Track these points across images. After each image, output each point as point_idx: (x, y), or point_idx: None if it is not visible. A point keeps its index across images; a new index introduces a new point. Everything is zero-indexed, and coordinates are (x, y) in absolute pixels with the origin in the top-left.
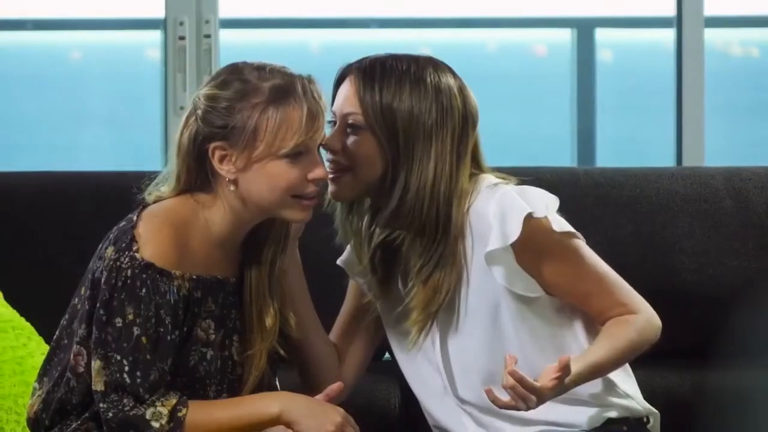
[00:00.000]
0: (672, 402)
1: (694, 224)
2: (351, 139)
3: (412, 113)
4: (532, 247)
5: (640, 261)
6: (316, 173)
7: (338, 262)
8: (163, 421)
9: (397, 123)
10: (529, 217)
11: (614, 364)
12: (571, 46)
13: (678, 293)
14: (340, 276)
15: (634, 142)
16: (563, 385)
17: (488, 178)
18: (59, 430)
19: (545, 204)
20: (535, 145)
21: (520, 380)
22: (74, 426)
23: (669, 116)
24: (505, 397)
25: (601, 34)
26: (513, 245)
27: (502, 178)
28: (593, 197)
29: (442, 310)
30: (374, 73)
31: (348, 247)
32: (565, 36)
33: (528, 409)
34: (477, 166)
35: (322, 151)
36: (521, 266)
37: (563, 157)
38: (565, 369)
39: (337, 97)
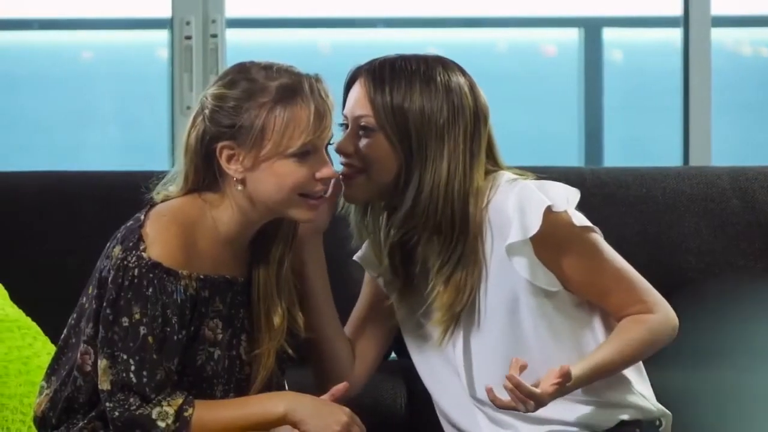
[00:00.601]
0: (679, 402)
1: (701, 224)
2: (363, 142)
3: (423, 113)
4: (552, 240)
5: (647, 261)
6: (324, 172)
7: (355, 257)
8: (170, 421)
9: (409, 123)
10: (548, 211)
11: (623, 363)
12: (578, 46)
13: (684, 293)
14: (354, 277)
15: (642, 141)
16: (564, 389)
17: (506, 174)
18: (66, 428)
19: (566, 198)
20: (543, 144)
21: (518, 385)
22: (81, 425)
23: (677, 116)
24: (505, 397)
25: (608, 34)
26: (532, 238)
27: (520, 174)
28: (600, 197)
29: (466, 310)
30: (384, 74)
31: (365, 244)
32: (572, 36)
33: (527, 411)
34: (494, 163)
35: (336, 155)
36: (540, 260)
37: (571, 156)
38: (565, 376)
39: (348, 99)
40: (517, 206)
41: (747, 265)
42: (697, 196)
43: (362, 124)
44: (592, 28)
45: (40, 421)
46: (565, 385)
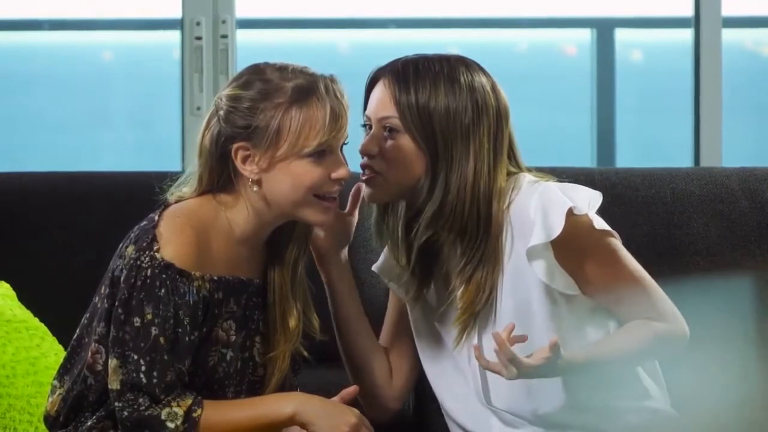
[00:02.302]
0: (686, 403)
1: (710, 225)
2: (389, 143)
3: (448, 113)
4: (572, 243)
5: (655, 261)
6: (340, 173)
7: (373, 268)
8: (179, 422)
9: (435, 124)
10: (570, 213)
11: (619, 362)
12: (591, 47)
13: (693, 293)
14: (360, 277)
15: (656, 142)
16: (553, 368)
17: (528, 176)
18: (74, 427)
19: (587, 201)
20: (557, 144)
21: (501, 344)
22: (90, 424)
23: (689, 116)
24: (494, 359)
25: (621, 35)
26: (553, 241)
27: (541, 177)
28: (609, 198)
29: (483, 310)
30: (408, 74)
31: (383, 255)
32: (585, 36)
33: (509, 377)
34: (516, 164)
35: (351, 156)
36: (559, 263)
37: (584, 157)
38: (553, 349)
39: (370, 100)
40: (539, 208)
41: (756, 266)
42: (706, 197)
43: (387, 125)
44: (604, 29)
45: (53, 420)
46: (554, 362)
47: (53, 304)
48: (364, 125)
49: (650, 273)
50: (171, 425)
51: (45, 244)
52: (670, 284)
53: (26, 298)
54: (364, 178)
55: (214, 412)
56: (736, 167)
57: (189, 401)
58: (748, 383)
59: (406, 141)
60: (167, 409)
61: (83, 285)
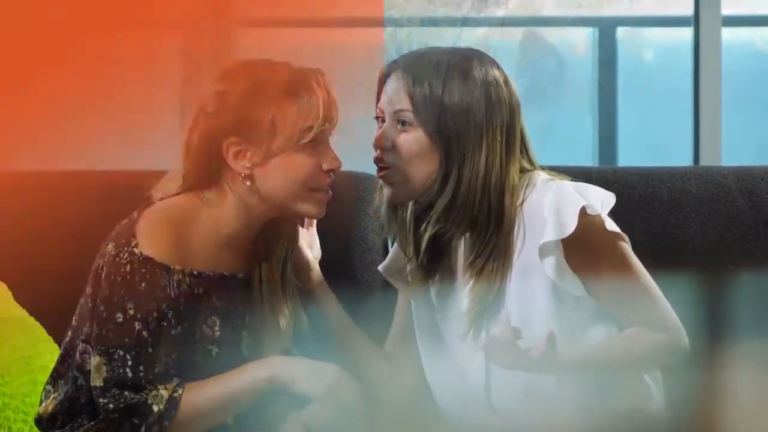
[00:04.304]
0: (685, 403)
1: (707, 224)
2: (402, 137)
3: (462, 107)
4: (583, 243)
5: (652, 261)
6: (333, 164)
7: (379, 268)
8: (161, 405)
9: (448, 117)
10: (582, 212)
11: (617, 369)
12: (593, 45)
13: (690, 293)
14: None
15: (658, 141)
16: (548, 364)
17: (542, 174)
18: (70, 429)
19: (600, 201)
20: (558, 144)
21: (505, 324)
22: (87, 426)
23: (690, 115)
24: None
25: (623, 33)
26: (563, 240)
27: (555, 175)
28: None
29: (492, 305)
30: (422, 68)
31: (389, 255)
32: (587, 35)
33: (501, 364)
34: (529, 161)
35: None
36: (568, 262)
37: (586, 156)
38: (549, 341)
39: (383, 93)
40: (553, 206)
41: (753, 265)
42: (704, 196)
43: (400, 118)
44: (606, 28)
45: (48, 422)
46: (548, 356)
47: (51, 304)
48: (377, 118)
49: (647, 271)
50: (155, 408)
51: (42, 243)
52: (666, 283)
53: (24, 297)
54: (379, 174)
55: (195, 391)
56: (734, 166)
57: (174, 384)
58: (745, 383)
59: (419, 134)
60: (153, 392)
61: (80, 284)
